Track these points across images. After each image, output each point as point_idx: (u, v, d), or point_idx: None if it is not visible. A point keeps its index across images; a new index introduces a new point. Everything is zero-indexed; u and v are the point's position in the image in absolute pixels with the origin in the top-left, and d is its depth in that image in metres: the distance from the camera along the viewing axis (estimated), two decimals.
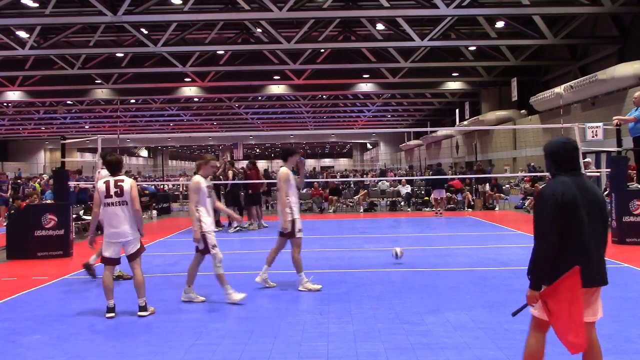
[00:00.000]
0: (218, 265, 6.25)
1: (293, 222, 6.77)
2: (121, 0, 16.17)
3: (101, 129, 46.27)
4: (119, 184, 5.95)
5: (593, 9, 17.01)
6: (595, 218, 3.23)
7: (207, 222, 6.30)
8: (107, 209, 5.95)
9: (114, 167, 6.11)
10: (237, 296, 6.31)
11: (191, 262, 6.49)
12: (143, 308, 5.87)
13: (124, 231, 5.91)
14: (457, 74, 29.10)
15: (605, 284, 3.29)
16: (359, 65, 25.14)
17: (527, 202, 18.47)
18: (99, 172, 7.43)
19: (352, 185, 22.33)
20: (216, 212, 14.60)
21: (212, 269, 6.31)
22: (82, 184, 14.90)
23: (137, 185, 6.36)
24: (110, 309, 5.88)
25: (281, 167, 6.93)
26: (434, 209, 17.98)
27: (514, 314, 3.49)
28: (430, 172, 24.69)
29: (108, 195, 5.93)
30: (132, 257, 6.02)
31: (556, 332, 3.21)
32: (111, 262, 6.03)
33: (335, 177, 29.05)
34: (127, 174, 12.16)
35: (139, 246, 6.06)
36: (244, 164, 22.17)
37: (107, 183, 5.98)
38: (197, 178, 6.37)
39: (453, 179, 19.80)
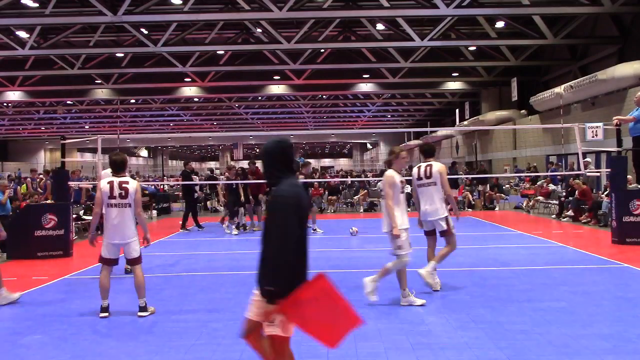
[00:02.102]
0: (399, 267, 6.01)
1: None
2: (121, 0, 16.16)
3: (101, 129, 46.16)
4: (123, 185, 5.89)
5: (593, 9, 17.00)
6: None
7: (402, 220, 5.96)
8: (109, 210, 5.89)
9: (119, 167, 6.05)
10: (418, 301, 6.06)
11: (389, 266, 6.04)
12: (143, 308, 5.87)
13: (125, 233, 5.88)
14: (457, 74, 29.05)
15: None
16: (359, 65, 25.11)
17: (524, 203, 18.48)
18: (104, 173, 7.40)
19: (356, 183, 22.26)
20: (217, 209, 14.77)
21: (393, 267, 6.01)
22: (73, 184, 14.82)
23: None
24: (104, 309, 5.87)
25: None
26: None
27: None
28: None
29: (112, 196, 5.87)
30: (132, 262, 6.02)
31: (314, 335, 3.03)
32: (110, 262, 5.99)
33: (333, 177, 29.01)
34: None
35: (139, 252, 6.01)
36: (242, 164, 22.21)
37: (111, 183, 5.90)
38: (391, 172, 6.04)
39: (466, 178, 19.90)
